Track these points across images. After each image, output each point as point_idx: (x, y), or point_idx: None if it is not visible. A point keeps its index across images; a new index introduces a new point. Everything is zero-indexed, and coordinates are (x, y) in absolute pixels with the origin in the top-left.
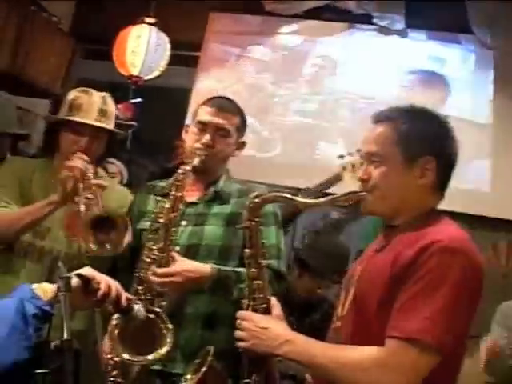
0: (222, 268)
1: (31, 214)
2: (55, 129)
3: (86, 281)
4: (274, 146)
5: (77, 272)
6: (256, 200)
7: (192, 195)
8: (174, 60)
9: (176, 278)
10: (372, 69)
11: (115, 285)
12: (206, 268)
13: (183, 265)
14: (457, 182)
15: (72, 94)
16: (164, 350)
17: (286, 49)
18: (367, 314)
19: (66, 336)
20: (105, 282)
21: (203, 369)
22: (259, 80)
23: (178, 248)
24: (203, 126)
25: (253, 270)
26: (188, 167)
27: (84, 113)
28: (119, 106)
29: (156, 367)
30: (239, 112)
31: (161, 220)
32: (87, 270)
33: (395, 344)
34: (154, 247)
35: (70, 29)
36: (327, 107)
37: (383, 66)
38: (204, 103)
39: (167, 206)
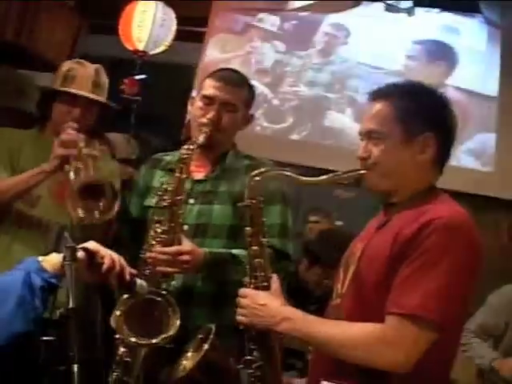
0: (217, 251)
1: (21, 182)
2: (48, 100)
3: (90, 254)
4: (286, 118)
5: (82, 246)
6: (256, 178)
7: (199, 172)
8: (180, 35)
9: (184, 257)
10: (381, 39)
11: (119, 259)
12: (200, 251)
13: (188, 245)
14: (459, 160)
15: (66, 66)
16: (170, 332)
17: (297, 18)
18: (368, 291)
19: (71, 304)
20: (109, 256)
21: (205, 347)
22: (270, 49)
23: (186, 227)
24: (209, 101)
25: (254, 248)
26: (192, 146)
27: (78, 84)
28: (125, 81)
29: (167, 346)
30: (246, 85)
31: (165, 202)
32: (92, 244)
33: (395, 320)
34: (159, 229)
35: (76, 3)
36: (338, 77)
37: (392, 36)
38: (210, 76)
39: (171, 188)
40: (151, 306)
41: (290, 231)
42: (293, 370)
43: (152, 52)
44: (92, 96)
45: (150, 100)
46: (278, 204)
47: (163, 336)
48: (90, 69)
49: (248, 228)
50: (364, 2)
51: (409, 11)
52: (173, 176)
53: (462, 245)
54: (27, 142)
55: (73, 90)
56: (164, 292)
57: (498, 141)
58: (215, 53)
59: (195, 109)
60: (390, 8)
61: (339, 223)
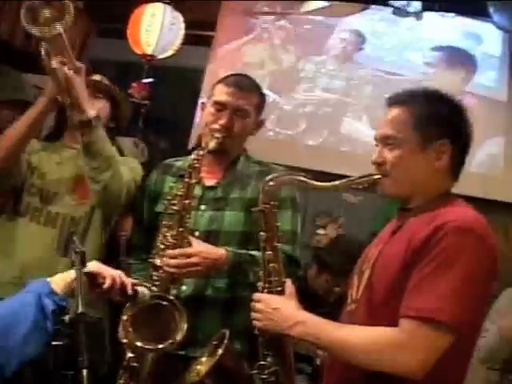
0: (237, 251)
1: (25, 117)
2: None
3: (92, 277)
4: (299, 124)
5: (84, 270)
6: (271, 183)
7: (210, 178)
8: (189, 39)
9: (193, 259)
10: (398, 45)
11: (119, 275)
12: (221, 251)
13: (199, 247)
14: (468, 164)
15: None
16: (176, 338)
17: (310, 22)
18: (382, 295)
19: (80, 309)
20: (109, 276)
21: (219, 352)
22: (283, 53)
23: (197, 233)
24: (221, 107)
25: (268, 253)
26: (202, 152)
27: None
28: (133, 85)
29: (177, 352)
30: (258, 90)
31: (175, 207)
32: (94, 265)
33: (409, 324)
34: (168, 234)
35: (84, 6)
36: (354, 83)
37: (408, 42)
38: (221, 81)
39: (180, 193)
40: (158, 311)
41: (299, 237)
42: (302, 374)
43: (160, 56)
44: (98, 78)
45: (158, 104)
46: (288, 210)
47: (170, 341)
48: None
49: (262, 233)
50: (373, 6)
51: (417, 15)
52: (183, 181)
53: (475, 247)
54: (45, 153)
55: None
56: (171, 297)
57: (507, 145)
58: (225, 57)
59: (207, 114)
60: (398, 12)
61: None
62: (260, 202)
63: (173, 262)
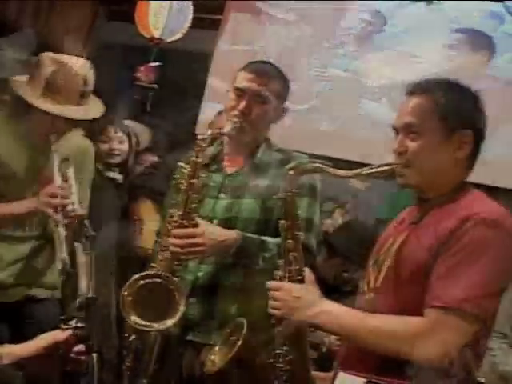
0: (248, 235)
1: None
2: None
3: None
4: (309, 100)
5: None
6: (292, 171)
7: (232, 166)
8: (197, 23)
9: (197, 240)
10: (418, 27)
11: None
12: (229, 233)
13: (206, 227)
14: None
15: (49, 68)
16: (174, 319)
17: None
18: (409, 286)
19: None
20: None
21: (239, 342)
22: (297, 32)
23: (215, 222)
24: (240, 92)
25: (289, 241)
26: (209, 132)
27: (63, 97)
28: (141, 68)
29: (190, 338)
30: (280, 77)
31: (182, 186)
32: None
33: (435, 313)
34: (175, 214)
35: None
36: (374, 65)
37: (428, 25)
38: (243, 68)
39: (187, 172)
40: (157, 291)
41: (316, 225)
42: None
43: (168, 39)
44: (77, 117)
45: (165, 87)
46: (304, 197)
47: (164, 322)
48: (76, 77)
49: (283, 221)
50: None
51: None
52: (190, 161)
53: (502, 240)
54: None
55: (56, 111)
56: (174, 279)
57: None
58: (234, 40)
59: (228, 101)
60: None
61: None
62: (282, 190)
63: (177, 241)
